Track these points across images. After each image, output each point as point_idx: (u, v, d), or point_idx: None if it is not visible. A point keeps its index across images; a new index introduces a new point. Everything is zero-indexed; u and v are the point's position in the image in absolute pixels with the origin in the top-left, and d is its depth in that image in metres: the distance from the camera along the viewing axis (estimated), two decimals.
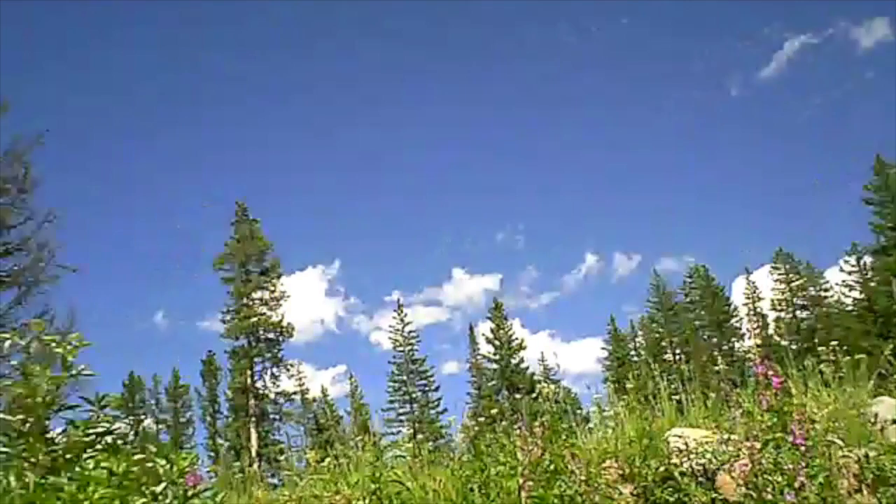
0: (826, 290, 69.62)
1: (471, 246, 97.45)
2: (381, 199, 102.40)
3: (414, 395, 65.93)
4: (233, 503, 9.92)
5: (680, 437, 8.13)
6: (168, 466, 3.78)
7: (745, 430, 7.10)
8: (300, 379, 61.24)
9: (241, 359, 56.89)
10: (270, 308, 57.46)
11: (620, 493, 7.77)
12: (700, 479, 7.64)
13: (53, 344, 3.75)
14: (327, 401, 65.73)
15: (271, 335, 57.44)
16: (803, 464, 5.78)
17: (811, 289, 70.17)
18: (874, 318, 61.59)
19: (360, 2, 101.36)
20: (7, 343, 3.78)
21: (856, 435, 7.69)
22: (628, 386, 10.20)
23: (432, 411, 65.19)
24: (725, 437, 7.67)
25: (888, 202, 59.34)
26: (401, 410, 65.39)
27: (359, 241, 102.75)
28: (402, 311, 68.45)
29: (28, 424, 3.62)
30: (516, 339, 69.90)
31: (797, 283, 70.18)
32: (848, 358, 9.60)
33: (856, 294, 65.22)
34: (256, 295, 57.46)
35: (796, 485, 5.76)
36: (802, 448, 5.81)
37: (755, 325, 14.29)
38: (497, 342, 69.80)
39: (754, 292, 69.58)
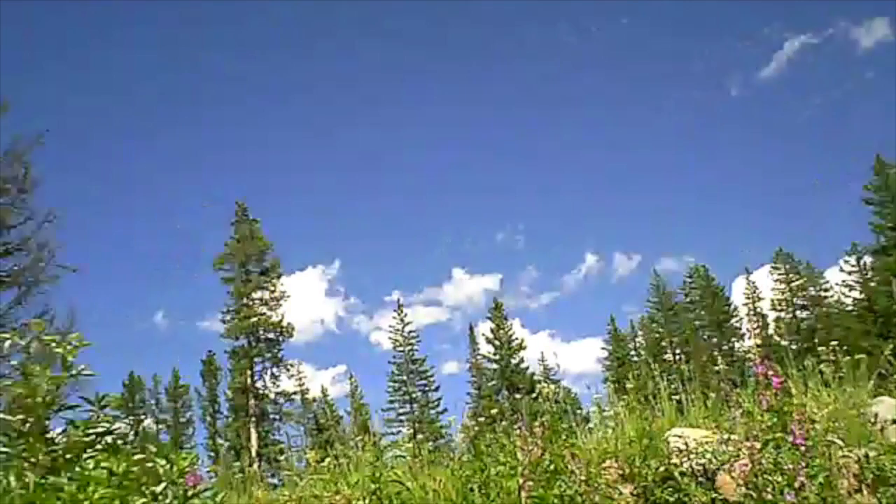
0: (826, 290, 69.64)
1: (471, 246, 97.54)
2: (381, 199, 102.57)
3: (414, 395, 65.94)
4: (233, 503, 9.92)
5: (680, 437, 8.13)
6: (168, 466, 3.78)
7: (745, 430, 7.10)
8: (300, 379, 61.31)
9: (241, 359, 56.90)
10: (270, 308, 57.48)
11: (620, 493, 7.77)
12: (700, 479, 7.64)
13: (53, 344, 3.75)
14: (327, 401, 65.78)
15: (271, 335, 57.46)
16: (803, 464, 5.78)
17: (811, 289, 70.18)
18: (874, 318, 61.58)
19: (360, 2, 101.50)
20: (7, 343, 3.78)
21: (856, 435, 7.69)
22: (628, 386, 10.20)
23: (432, 411, 65.23)
24: (725, 437, 7.68)
25: (888, 202, 59.34)
26: (401, 410, 65.44)
27: (359, 241, 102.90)
28: (402, 311, 68.53)
29: (28, 424, 3.62)
30: (516, 339, 69.95)
31: (797, 283, 70.19)
32: (848, 358, 9.60)
33: (856, 294, 65.23)
34: (256, 295, 57.48)
35: (796, 485, 5.76)
36: (802, 448, 5.81)
37: (755, 325, 14.30)
38: (497, 342, 69.80)
39: (754, 292, 69.59)
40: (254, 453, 51.52)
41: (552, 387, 11.21)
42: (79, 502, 3.36)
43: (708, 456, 7.69)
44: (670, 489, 7.64)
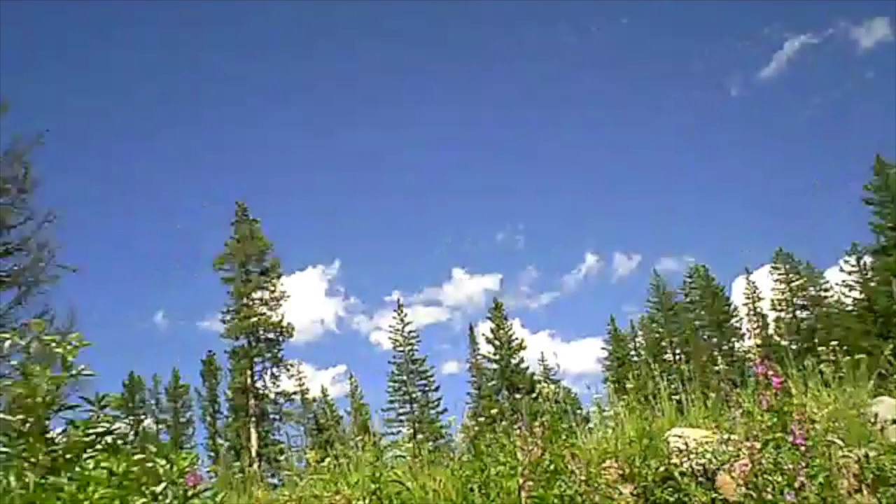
0: (826, 290, 69.66)
1: (471, 246, 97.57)
2: (381, 199, 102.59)
3: (414, 395, 65.95)
4: (233, 503, 9.92)
5: (680, 437, 8.13)
6: (168, 466, 3.78)
7: (745, 430, 7.10)
8: (300, 379, 61.32)
9: (241, 359, 56.91)
10: (270, 308, 57.48)
11: (620, 493, 7.77)
12: (700, 479, 7.64)
13: (53, 344, 3.75)
14: (327, 401, 65.79)
15: (271, 335, 57.46)
16: (803, 464, 5.78)
17: (811, 289, 70.19)
18: (874, 318, 61.59)
19: (360, 2, 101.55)
20: (7, 343, 3.78)
21: (856, 435, 7.69)
22: (628, 386, 10.20)
23: (432, 411, 65.23)
24: (725, 437, 7.68)
25: (888, 202, 59.34)
26: (401, 410, 65.45)
27: (359, 241, 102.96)
28: (402, 311, 68.54)
29: (28, 424, 3.62)
30: (516, 339, 69.96)
31: (797, 283, 70.20)
32: (848, 358, 9.60)
33: (856, 294, 65.24)
34: (256, 295, 57.48)
35: (796, 485, 5.76)
36: (802, 448, 5.81)
37: (755, 325, 14.30)
38: (497, 342, 69.81)
39: (754, 292, 69.60)
40: (254, 453, 51.53)
41: (552, 387, 11.20)
42: (79, 502, 3.36)
43: (708, 456, 7.69)
44: (670, 489, 7.64)
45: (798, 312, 69.59)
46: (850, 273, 65.55)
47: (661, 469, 7.86)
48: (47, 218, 18.55)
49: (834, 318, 65.36)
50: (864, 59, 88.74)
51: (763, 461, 6.15)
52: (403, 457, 9.61)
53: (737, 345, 70.58)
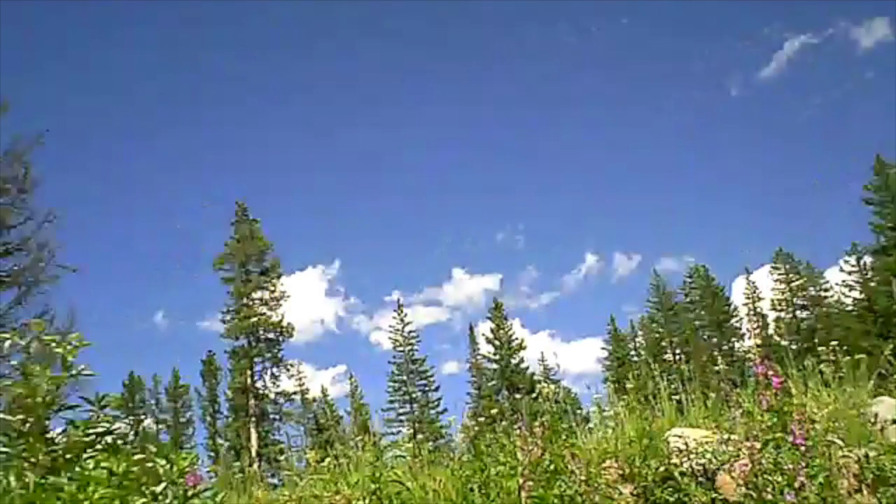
0: (826, 290, 69.66)
1: (471, 246, 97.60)
2: (381, 198, 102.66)
3: (414, 395, 65.97)
4: (233, 503, 9.92)
5: (680, 437, 8.13)
6: (168, 466, 3.78)
7: (745, 430, 7.10)
8: (300, 379, 61.32)
9: (241, 359, 56.91)
10: (270, 308, 57.47)
11: (620, 493, 7.77)
12: (700, 479, 7.64)
13: (53, 344, 3.75)
14: (327, 401, 65.80)
15: (271, 335, 57.45)
16: (803, 464, 5.78)
17: (811, 289, 70.18)
18: (874, 318, 61.59)
19: (360, 2, 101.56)
20: (7, 343, 3.79)
21: (856, 435, 7.69)
22: (628, 386, 10.20)
23: (432, 411, 65.25)
24: (725, 437, 7.68)
25: (888, 202, 59.35)
26: (401, 410, 65.47)
27: (359, 241, 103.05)
28: (402, 311, 68.56)
29: (28, 424, 3.62)
30: (516, 339, 69.98)
31: (797, 283, 70.20)
32: (848, 358, 9.60)
33: (856, 294, 65.25)
34: (256, 295, 57.47)
35: (796, 485, 5.76)
36: (802, 448, 5.82)
37: (755, 325, 14.30)
38: (497, 342, 69.83)
39: (754, 292, 69.61)
40: (254, 453, 51.54)
41: (552, 387, 11.20)
42: (79, 502, 3.36)
43: (708, 456, 7.69)
44: (670, 489, 7.64)
45: (798, 312, 69.60)
46: (850, 273, 65.57)
47: (661, 469, 7.87)
48: (47, 218, 18.59)
49: (834, 318, 65.37)
50: (864, 59, 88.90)
51: (763, 461, 6.15)
52: (403, 457, 9.62)
53: (737, 345, 70.62)
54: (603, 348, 76.52)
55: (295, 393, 59.16)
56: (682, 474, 7.66)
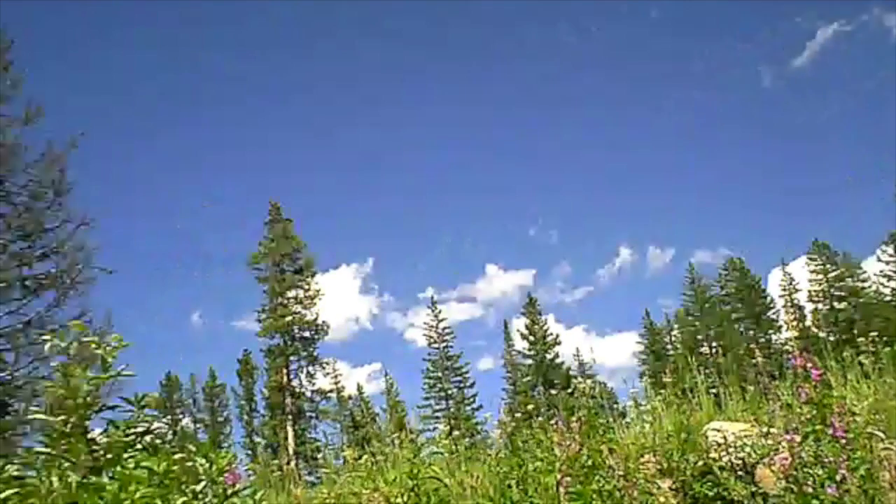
0: (864, 280, 68.97)
1: (504, 242, 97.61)
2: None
3: (449, 392, 66.01)
4: (272, 501, 9.97)
5: (718, 430, 8.09)
6: (207, 465, 3.80)
7: (784, 423, 7.05)
8: (336, 377, 61.51)
9: (277, 357, 57.09)
10: (305, 307, 57.57)
11: (659, 488, 7.74)
12: (739, 472, 7.59)
13: (93, 345, 3.79)
14: (363, 398, 66.05)
15: (306, 333, 57.56)
16: (844, 456, 5.73)
17: (848, 279, 69.48)
18: None
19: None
20: (48, 345, 3.82)
21: None
22: (665, 380, 10.14)
23: (468, 408, 65.20)
24: (764, 430, 7.61)
25: None
26: (436, 407, 65.57)
27: (391, 239, 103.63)
28: (436, 308, 68.66)
29: (69, 425, 3.65)
30: (551, 334, 69.94)
31: (834, 273, 69.50)
32: (888, 349, 9.50)
33: (894, 284, 64.57)
34: (291, 294, 57.59)
35: (837, 478, 5.71)
36: (843, 441, 5.76)
37: (792, 317, 14.21)
38: (532, 338, 69.80)
39: (791, 283, 69.10)
40: (291, 451, 51.74)
41: (588, 382, 11.17)
42: (120, 501, 3.39)
43: (747, 450, 7.64)
44: (709, 483, 7.60)
45: (835, 303, 68.91)
46: (887, 263, 64.90)
47: (700, 463, 7.83)
48: (83, 221, 18.71)
49: (872, 309, 64.70)
50: None
51: (803, 454, 6.10)
52: (441, 453, 9.62)
53: (774, 337, 70.17)
54: (638, 342, 76.38)
55: (331, 391, 59.35)
56: (721, 468, 7.62)
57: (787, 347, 65.68)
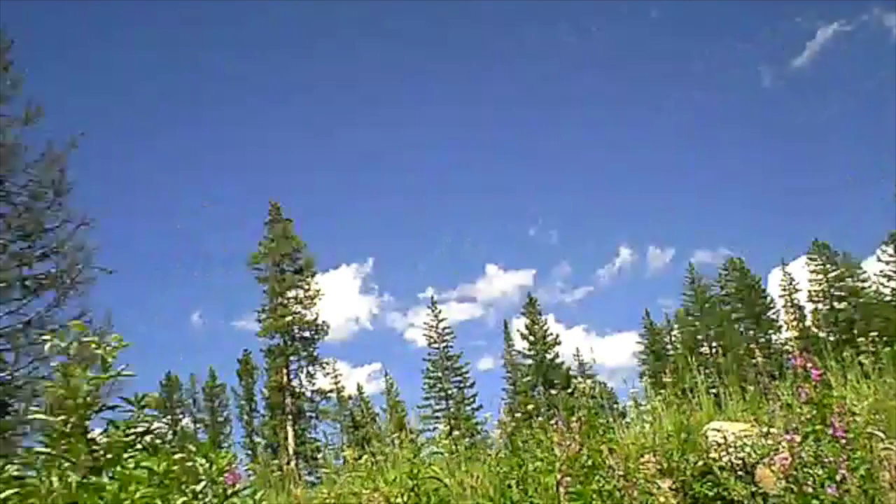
0: (864, 280, 68.96)
1: (504, 242, 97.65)
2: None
3: (449, 392, 66.01)
4: (272, 501, 9.97)
5: (718, 430, 8.09)
6: (207, 465, 3.80)
7: (784, 423, 7.05)
8: (336, 377, 61.48)
9: (277, 357, 57.07)
10: (305, 307, 57.54)
11: (659, 488, 7.74)
12: (739, 472, 7.59)
13: (93, 345, 3.78)
14: (363, 398, 66.06)
15: (306, 333, 57.55)
16: (844, 456, 5.73)
17: (848, 279, 69.47)
18: None
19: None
20: (48, 345, 3.82)
21: None
22: (665, 380, 10.14)
23: (468, 408, 65.20)
24: (764, 430, 7.62)
25: None
26: (437, 407, 65.57)
27: (391, 239, 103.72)
28: (436, 308, 68.65)
29: (69, 425, 3.65)
30: (551, 334, 69.96)
31: (834, 273, 69.49)
32: (888, 349, 9.50)
33: (894, 284, 64.57)
34: (291, 294, 57.56)
35: (837, 478, 5.71)
36: (843, 441, 5.77)
37: (792, 317, 14.21)
38: (532, 338, 69.81)
39: (791, 283, 69.10)
40: (291, 451, 51.74)
41: (588, 382, 11.18)
42: (120, 501, 3.39)
43: (747, 450, 7.64)
44: (709, 483, 7.60)
45: (835, 303, 68.90)
46: (887, 263, 64.89)
47: (700, 463, 7.83)
48: (83, 221, 18.72)
49: (872, 309, 64.70)
50: None
51: (803, 454, 6.10)
52: (440, 453, 9.62)
53: (774, 337, 70.16)
54: (638, 342, 76.38)
55: (331, 391, 59.33)
56: (721, 468, 7.62)
57: (787, 347, 65.71)
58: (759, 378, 8.92)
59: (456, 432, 12.12)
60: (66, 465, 3.58)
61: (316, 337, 57.71)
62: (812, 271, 69.83)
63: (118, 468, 3.57)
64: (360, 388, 69.78)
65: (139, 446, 3.76)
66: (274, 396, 57.57)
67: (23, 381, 17.16)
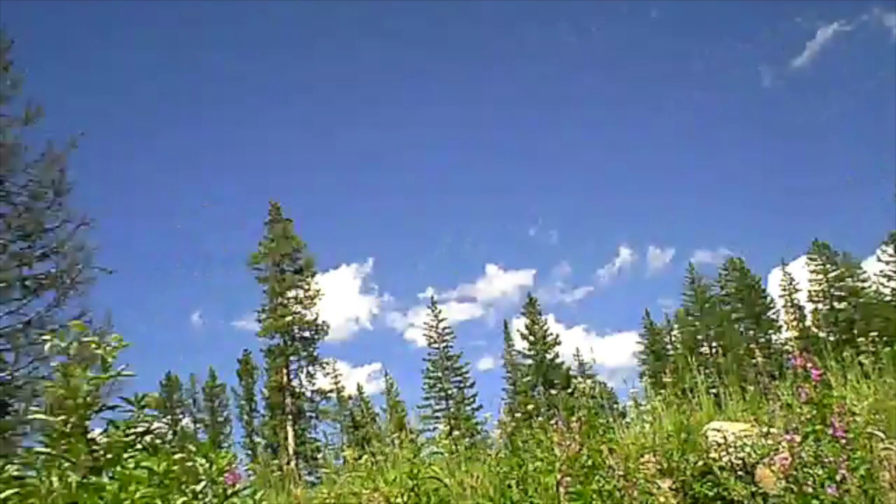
0: (864, 280, 68.96)
1: (504, 242, 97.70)
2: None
3: (449, 392, 66.00)
4: (272, 501, 9.97)
5: (718, 430, 8.09)
6: (207, 465, 3.80)
7: (784, 423, 7.05)
8: (336, 377, 61.47)
9: (277, 357, 57.05)
10: (305, 307, 57.52)
11: (659, 488, 7.74)
12: (739, 472, 7.59)
13: (93, 345, 3.78)
14: (363, 398, 66.04)
15: (306, 333, 57.53)
16: (844, 456, 5.73)
17: (848, 279, 69.46)
18: None
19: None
20: (48, 345, 3.82)
21: None
22: (665, 380, 10.14)
23: (468, 408, 65.18)
24: (764, 430, 7.62)
25: None
26: (437, 407, 65.56)
27: (391, 239, 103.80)
28: (436, 308, 68.64)
29: (69, 425, 3.65)
30: (551, 334, 69.95)
31: (834, 273, 69.48)
32: (888, 349, 9.50)
33: (894, 284, 64.56)
34: (291, 294, 57.54)
35: (837, 478, 5.71)
36: (843, 441, 5.77)
37: (792, 317, 14.21)
38: (532, 338, 69.80)
39: (791, 283, 69.09)
40: (291, 451, 51.73)
41: (588, 382, 11.18)
42: (120, 501, 3.39)
43: (747, 450, 7.64)
44: (709, 483, 7.60)
45: (835, 303, 68.89)
46: (887, 263, 64.89)
47: (700, 463, 7.83)
48: (83, 221, 18.72)
49: (872, 309, 64.69)
50: None
51: (803, 454, 6.10)
52: (440, 453, 9.62)
53: (774, 337, 70.15)
54: (638, 342, 76.36)
55: (331, 391, 59.32)
56: (721, 468, 7.62)
57: (787, 347, 65.71)
58: (759, 378, 8.92)
59: (456, 432, 12.12)
60: (66, 465, 3.58)
61: (316, 337, 57.72)
62: (812, 271, 69.83)
63: (118, 468, 3.57)
64: (360, 388, 69.85)
65: (139, 446, 3.76)
66: (274, 396, 57.56)
67: (23, 381, 17.16)
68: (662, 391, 9.73)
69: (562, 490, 7.07)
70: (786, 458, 6.32)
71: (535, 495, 7.49)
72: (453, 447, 9.71)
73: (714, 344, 68.15)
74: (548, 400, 53.47)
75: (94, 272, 18.92)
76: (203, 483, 3.76)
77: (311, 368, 57.48)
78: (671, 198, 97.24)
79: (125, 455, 3.66)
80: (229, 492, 3.84)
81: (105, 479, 3.53)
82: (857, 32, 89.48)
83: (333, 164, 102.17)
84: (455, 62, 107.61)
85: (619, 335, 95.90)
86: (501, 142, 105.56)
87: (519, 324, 71.54)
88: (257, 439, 63.10)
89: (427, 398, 65.66)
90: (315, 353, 57.70)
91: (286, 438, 54.69)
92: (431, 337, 67.64)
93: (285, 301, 57.15)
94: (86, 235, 18.97)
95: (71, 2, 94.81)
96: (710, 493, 7.53)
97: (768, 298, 72.00)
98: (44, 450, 3.64)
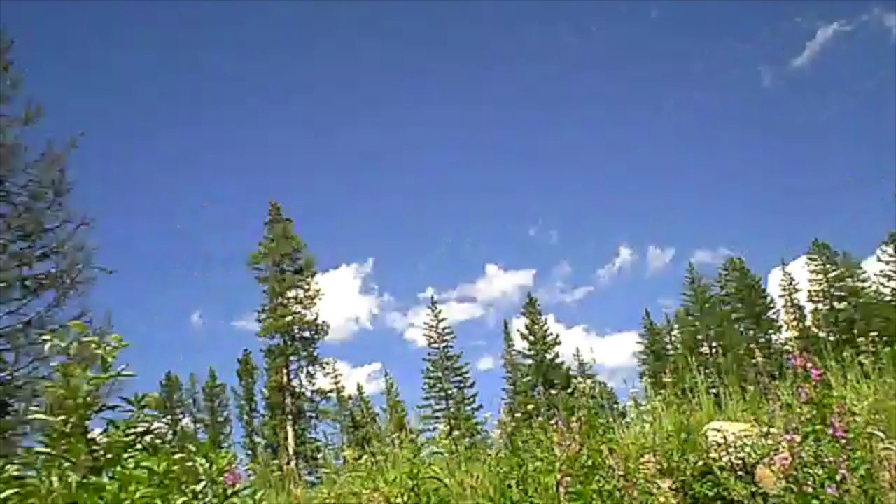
0: (864, 280, 68.94)
1: (504, 242, 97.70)
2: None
3: (449, 392, 65.99)
4: (272, 501, 9.97)
5: (718, 430, 8.09)
6: (207, 465, 3.80)
7: (784, 423, 7.05)
8: (336, 377, 61.45)
9: (277, 357, 57.04)
10: (305, 307, 57.50)
11: (659, 488, 7.74)
12: (739, 472, 7.59)
13: (93, 345, 3.78)
14: (363, 398, 66.03)
15: (306, 333, 57.52)
16: (844, 456, 5.73)
17: (848, 279, 69.44)
18: None
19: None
20: (48, 345, 3.82)
21: None
22: (665, 380, 10.14)
23: (468, 408, 65.17)
24: (764, 430, 7.62)
25: None
26: (437, 407, 65.55)
27: (391, 239, 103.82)
28: (436, 308, 68.63)
29: (69, 425, 3.65)
30: (551, 334, 69.94)
31: (834, 273, 69.47)
32: (888, 349, 9.50)
33: (894, 284, 64.55)
34: (291, 294, 57.52)
35: (837, 478, 5.71)
36: (843, 441, 5.77)
37: (792, 317, 14.21)
38: (532, 338, 69.79)
39: (791, 283, 69.07)
40: (291, 451, 51.72)
41: (588, 382, 11.18)
42: (120, 501, 3.38)
43: (747, 450, 7.64)
44: (709, 483, 7.60)
45: (835, 303, 68.88)
46: (887, 263, 64.87)
47: (700, 463, 7.83)
48: (83, 221, 18.72)
49: (872, 309, 64.68)
50: None
51: (803, 454, 6.10)
52: (440, 453, 9.62)
53: (774, 337, 70.13)
54: (638, 342, 76.36)
55: (331, 391, 59.31)
56: (721, 468, 7.62)
57: (787, 347, 65.70)
58: (759, 378, 8.91)
59: (456, 432, 12.12)
60: (66, 465, 3.58)
61: (316, 337, 57.71)
62: (812, 271, 69.82)
63: (118, 468, 3.57)
64: (360, 388, 69.84)
65: (139, 446, 3.76)
66: (274, 396, 57.54)
67: (23, 381, 17.16)
68: (662, 391, 9.73)
69: (562, 490, 7.07)
70: (786, 458, 6.32)
71: (535, 495, 7.49)
72: (453, 447, 9.71)
73: (714, 344, 68.15)
74: (548, 400, 53.47)
75: (94, 272, 18.93)
76: (203, 483, 3.76)
77: (311, 368, 57.49)
78: (671, 198, 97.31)
79: (125, 455, 3.66)
80: (229, 492, 3.84)
81: (105, 479, 3.53)
82: (857, 32, 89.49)
83: (333, 164, 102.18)
84: (455, 62, 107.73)
85: (619, 335, 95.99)
86: (501, 142, 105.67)
87: (519, 324, 71.66)
88: (257, 439, 63.10)
89: (427, 398, 65.76)
90: (315, 353, 57.72)
91: (286, 438, 54.68)
92: (431, 337, 67.69)
93: (285, 301, 57.14)
94: (86, 235, 18.98)
95: (71, 2, 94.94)
96: (710, 493, 7.53)
97: (768, 298, 72.03)
98: (44, 450, 3.64)
